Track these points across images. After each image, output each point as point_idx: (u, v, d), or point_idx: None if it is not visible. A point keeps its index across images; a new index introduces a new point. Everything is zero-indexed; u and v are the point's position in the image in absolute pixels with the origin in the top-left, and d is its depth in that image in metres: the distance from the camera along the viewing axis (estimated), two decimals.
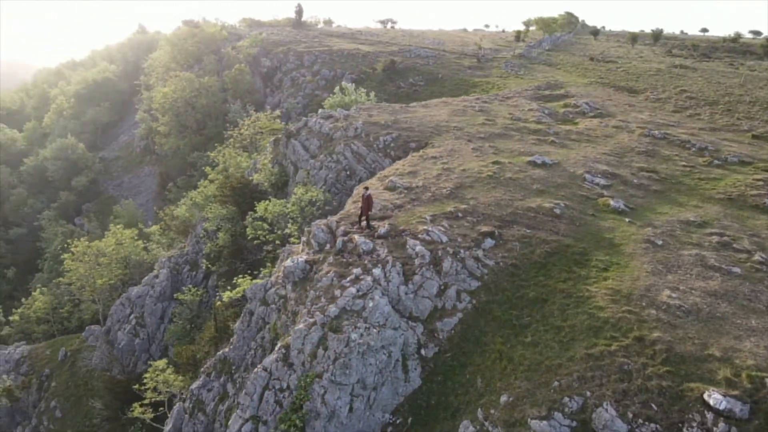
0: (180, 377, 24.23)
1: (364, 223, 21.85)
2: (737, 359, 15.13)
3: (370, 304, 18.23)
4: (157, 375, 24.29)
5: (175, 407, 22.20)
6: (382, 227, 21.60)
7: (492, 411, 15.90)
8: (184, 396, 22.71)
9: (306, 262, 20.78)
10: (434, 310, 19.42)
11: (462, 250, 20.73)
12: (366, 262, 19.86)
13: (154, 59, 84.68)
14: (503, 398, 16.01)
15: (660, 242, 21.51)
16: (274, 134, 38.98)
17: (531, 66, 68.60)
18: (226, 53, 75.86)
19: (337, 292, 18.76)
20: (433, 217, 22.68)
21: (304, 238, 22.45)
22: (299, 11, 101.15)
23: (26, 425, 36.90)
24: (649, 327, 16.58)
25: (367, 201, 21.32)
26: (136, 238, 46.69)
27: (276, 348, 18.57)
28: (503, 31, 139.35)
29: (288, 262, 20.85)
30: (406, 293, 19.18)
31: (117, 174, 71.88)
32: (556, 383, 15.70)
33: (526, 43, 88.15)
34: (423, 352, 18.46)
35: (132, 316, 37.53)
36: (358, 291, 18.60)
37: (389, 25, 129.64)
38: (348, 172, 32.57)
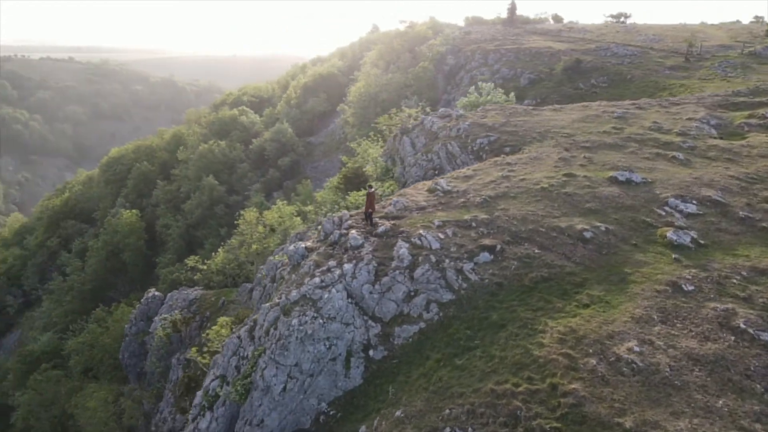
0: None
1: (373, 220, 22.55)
2: None
3: (325, 296, 19.21)
4: (219, 329, 28.75)
5: (214, 357, 26.20)
6: (384, 226, 22.04)
7: (383, 423, 15.82)
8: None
9: (306, 248, 22.51)
10: (399, 314, 19.41)
11: (447, 260, 20.09)
12: (344, 256, 20.73)
13: (367, 56, 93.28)
14: (397, 413, 15.80)
15: (689, 288, 17.61)
16: (392, 130, 40.73)
17: (754, 66, 56.79)
18: (420, 51, 79.59)
19: (307, 280, 20.15)
20: (443, 222, 22.17)
21: (319, 227, 24.14)
22: (512, 9, 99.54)
23: (182, 353, 46.06)
24: (573, 376, 14.42)
25: (370, 198, 21.98)
26: (295, 214, 53.32)
27: (248, 320, 20.88)
28: None
29: (291, 247, 22.87)
30: (370, 292, 19.57)
31: (317, 157, 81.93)
32: (447, 411, 14.95)
33: None
34: (371, 352, 18.74)
35: (263, 280, 43.68)
36: (321, 282, 19.70)
37: (621, 20, 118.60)
38: (436, 172, 32.77)
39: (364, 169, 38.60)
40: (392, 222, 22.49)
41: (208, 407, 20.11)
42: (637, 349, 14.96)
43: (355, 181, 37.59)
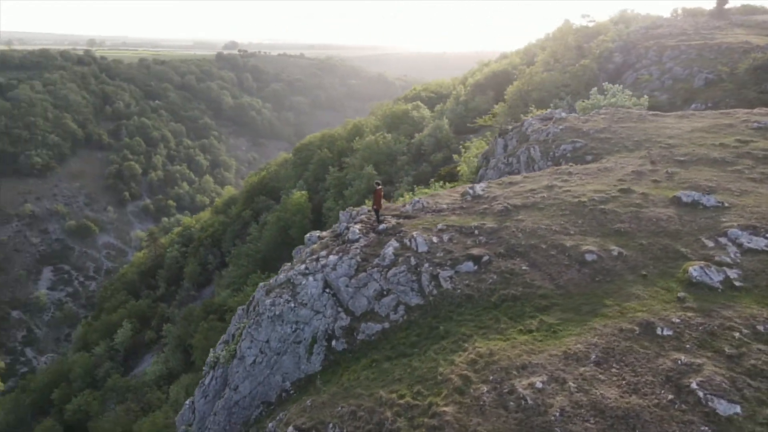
0: None
1: (381, 216, 22.91)
2: None
3: (303, 282, 20.41)
4: None
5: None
6: (388, 224, 22.26)
7: (295, 408, 16.74)
8: None
9: (318, 237, 23.78)
10: (369, 311, 19.75)
11: (427, 264, 19.75)
12: (336, 248, 21.54)
13: (540, 54, 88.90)
14: (307, 402, 16.61)
15: (665, 332, 14.86)
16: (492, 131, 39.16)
17: None
18: (588, 48, 73.19)
19: (297, 265, 21.52)
20: (447, 227, 21.59)
21: None
22: None
23: None
24: (454, 399, 13.72)
25: (376, 195, 22.36)
26: None
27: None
28: None
29: (307, 235, 24.33)
30: (346, 285, 20.18)
31: None
32: (339, 408, 15.48)
33: None
34: (334, 343, 19.47)
35: None
36: (305, 269, 20.91)
37: None
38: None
39: (457, 169, 38.19)
40: (399, 221, 22.62)
41: (212, 367, 22.87)
42: (539, 385, 13.41)
43: (449, 179, 37.47)
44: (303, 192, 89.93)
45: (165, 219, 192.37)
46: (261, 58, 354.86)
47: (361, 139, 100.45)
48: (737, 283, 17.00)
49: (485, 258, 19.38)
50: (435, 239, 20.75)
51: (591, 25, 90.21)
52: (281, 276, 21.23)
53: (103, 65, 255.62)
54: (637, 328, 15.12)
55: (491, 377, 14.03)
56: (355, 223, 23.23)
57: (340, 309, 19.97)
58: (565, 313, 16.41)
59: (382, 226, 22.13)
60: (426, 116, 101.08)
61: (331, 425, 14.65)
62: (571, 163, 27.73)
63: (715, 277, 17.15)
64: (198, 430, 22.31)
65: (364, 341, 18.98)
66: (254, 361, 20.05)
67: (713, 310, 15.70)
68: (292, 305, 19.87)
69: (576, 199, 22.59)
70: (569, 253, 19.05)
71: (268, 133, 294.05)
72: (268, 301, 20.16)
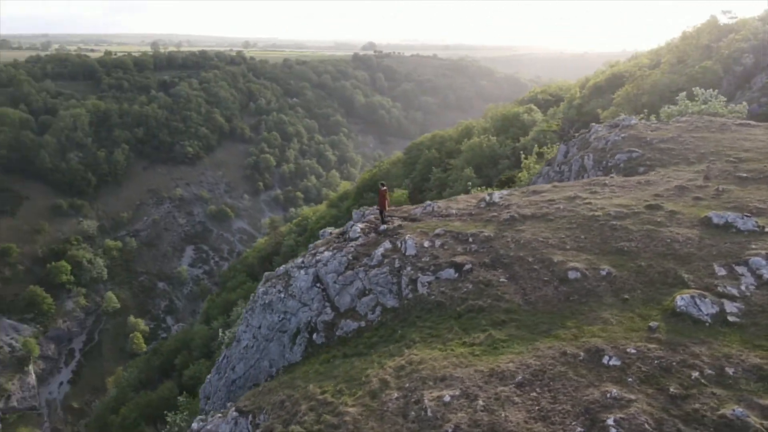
0: None
1: (387, 217, 23.06)
2: None
3: (296, 275, 21.33)
4: None
5: None
6: (390, 225, 22.40)
7: (249, 392, 17.85)
8: None
9: (329, 233, 24.50)
10: (351, 308, 20.18)
11: (409, 267, 19.74)
12: (334, 245, 22.13)
13: (666, 54, 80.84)
14: (260, 388, 17.67)
15: (611, 362, 13.60)
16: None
17: None
18: (716, 48, 65.01)
19: (298, 259, 22.47)
20: (444, 232, 21.24)
21: None
22: None
23: None
24: (363, 402, 14.06)
25: (381, 196, 22.55)
26: None
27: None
28: None
29: (321, 231, 25.15)
30: (334, 282, 20.77)
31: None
32: (276, 396, 16.44)
33: None
34: (314, 336, 20.20)
35: None
36: (302, 262, 21.81)
37: None
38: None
39: (519, 174, 36.79)
40: (404, 223, 22.65)
41: (226, 346, 24.72)
42: (447, 399, 13.03)
43: (508, 184, 36.30)
44: (403, 191, 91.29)
45: (292, 209, 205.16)
46: (394, 58, 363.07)
47: (468, 141, 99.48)
48: (732, 318, 14.93)
49: (467, 266, 18.88)
50: (426, 243, 20.58)
51: (732, 22, 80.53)
52: (281, 268, 22.40)
53: (251, 65, 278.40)
54: (582, 353, 13.98)
55: (407, 385, 13.88)
56: (362, 222, 23.71)
57: (327, 304, 20.63)
58: (519, 330, 15.58)
59: (382, 227, 22.37)
60: (537, 119, 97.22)
61: (264, 411, 15.44)
62: (613, 174, 25.68)
63: (706, 310, 15.20)
64: (212, 403, 24.31)
65: (340, 337, 19.47)
66: (247, 345, 21.43)
67: (682, 345, 13.99)
68: (282, 296, 20.93)
69: (590, 213, 20.98)
70: (553, 268, 17.90)
71: (396, 131, 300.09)
72: (261, 290, 21.44)
